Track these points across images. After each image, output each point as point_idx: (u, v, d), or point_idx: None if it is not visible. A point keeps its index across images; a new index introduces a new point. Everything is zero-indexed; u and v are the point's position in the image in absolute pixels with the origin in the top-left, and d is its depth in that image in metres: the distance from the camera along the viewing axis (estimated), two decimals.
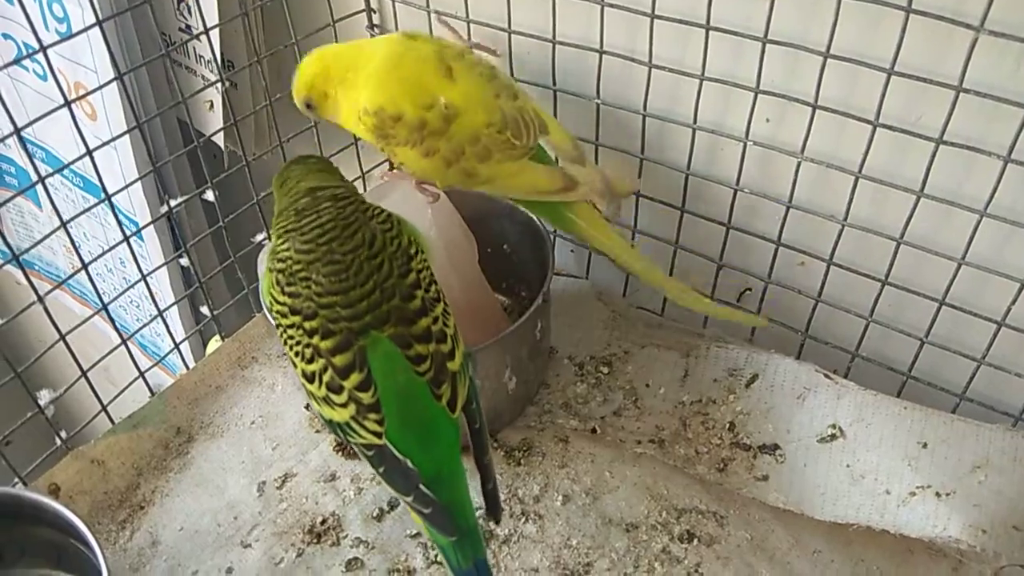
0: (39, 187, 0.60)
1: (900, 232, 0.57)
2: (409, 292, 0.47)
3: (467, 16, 0.67)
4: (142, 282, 0.71)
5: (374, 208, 0.51)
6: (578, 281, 0.76)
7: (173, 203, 0.72)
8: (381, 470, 0.47)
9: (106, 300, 0.67)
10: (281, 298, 0.48)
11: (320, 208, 0.49)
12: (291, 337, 0.48)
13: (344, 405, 0.46)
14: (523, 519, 0.60)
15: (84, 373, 0.64)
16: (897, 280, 0.60)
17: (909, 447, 0.58)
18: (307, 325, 0.47)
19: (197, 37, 0.74)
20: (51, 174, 0.64)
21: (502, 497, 0.61)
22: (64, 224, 0.63)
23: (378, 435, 0.46)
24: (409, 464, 0.46)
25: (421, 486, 0.46)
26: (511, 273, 0.74)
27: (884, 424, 0.59)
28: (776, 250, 0.64)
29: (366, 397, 0.46)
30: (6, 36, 0.86)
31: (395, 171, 0.65)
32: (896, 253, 0.58)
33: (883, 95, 0.52)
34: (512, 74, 0.68)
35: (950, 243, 0.56)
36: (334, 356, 0.46)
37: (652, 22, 0.58)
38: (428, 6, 0.68)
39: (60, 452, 0.64)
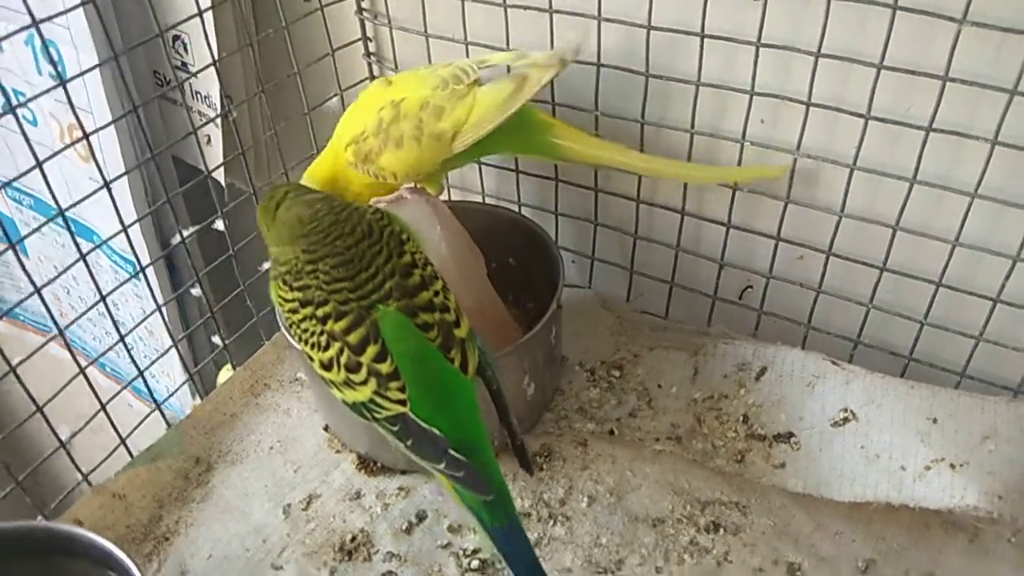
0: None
1: (896, 219, 0.60)
2: (406, 270, 0.50)
3: (465, 38, 0.69)
4: (135, 322, 0.71)
5: (365, 206, 0.53)
6: (581, 291, 0.78)
7: (176, 240, 0.73)
8: (409, 443, 0.48)
9: (100, 346, 0.67)
10: (290, 295, 0.50)
11: (319, 217, 0.51)
12: (305, 330, 0.50)
13: (364, 382, 0.48)
14: (551, 522, 0.61)
15: (103, 406, 0.64)
16: (895, 266, 0.62)
17: (920, 424, 0.60)
18: (319, 312, 0.49)
19: (195, 75, 0.76)
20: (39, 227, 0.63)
21: (528, 503, 0.62)
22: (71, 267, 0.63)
23: (402, 403, 0.48)
24: (436, 431, 0.48)
25: (450, 451, 0.48)
26: (517, 286, 0.75)
27: (894, 404, 0.61)
28: (776, 245, 0.66)
29: (384, 367, 0.48)
30: None
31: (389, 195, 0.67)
32: (892, 240, 0.61)
33: (873, 89, 0.55)
34: None
35: (944, 226, 0.59)
36: (348, 334, 0.48)
37: (648, 33, 0.61)
38: (425, 31, 0.71)
39: (79, 490, 0.63)
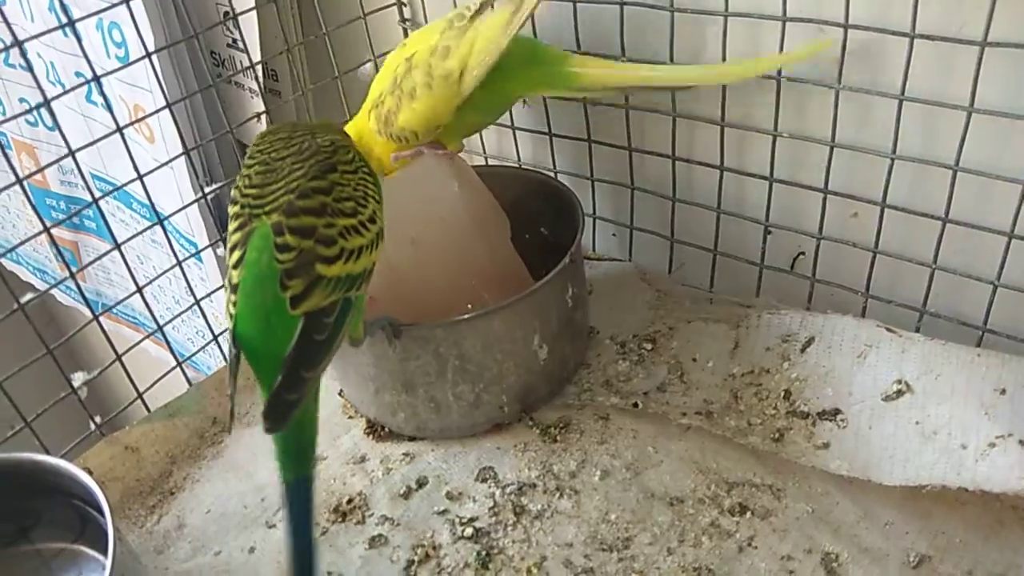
0: (114, 227, 0.63)
1: (955, 159, 0.52)
2: (310, 192, 0.48)
3: None
4: (190, 295, 0.72)
5: (336, 139, 0.52)
6: (621, 264, 0.73)
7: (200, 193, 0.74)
8: (233, 352, 0.48)
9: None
10: (231, 194, 0.52)
11: (279, 130, 0.52)
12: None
13: (228, 282, 0.49)
14: (558, 494, 0.56)
15: (119, 356, 0.64)
16: (958, 216, 0.54)
17: (985, 395, 0.51)
18: (232, 211, 0.50)
19: (243, 71, 0.76)
20: (104, 196, 0.65)
21: (535, 474, 0.57)
22: (118, 246, 0.66)
23: (232, 318, 0.48)
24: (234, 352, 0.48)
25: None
26: (552, 258, 0.71)
27: (956, 374, 0.52)
28: (824, 199, 0.59)
29: (235, 275, 0.48)
30: (78, 74, 0.92)
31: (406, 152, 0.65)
32: (953, 184, 0.53)
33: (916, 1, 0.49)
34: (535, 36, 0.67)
35: (1011, 165, 0.50)
36: (233, 234, 0.48)
37: None
38: None
39: (94, 437, 0.64)
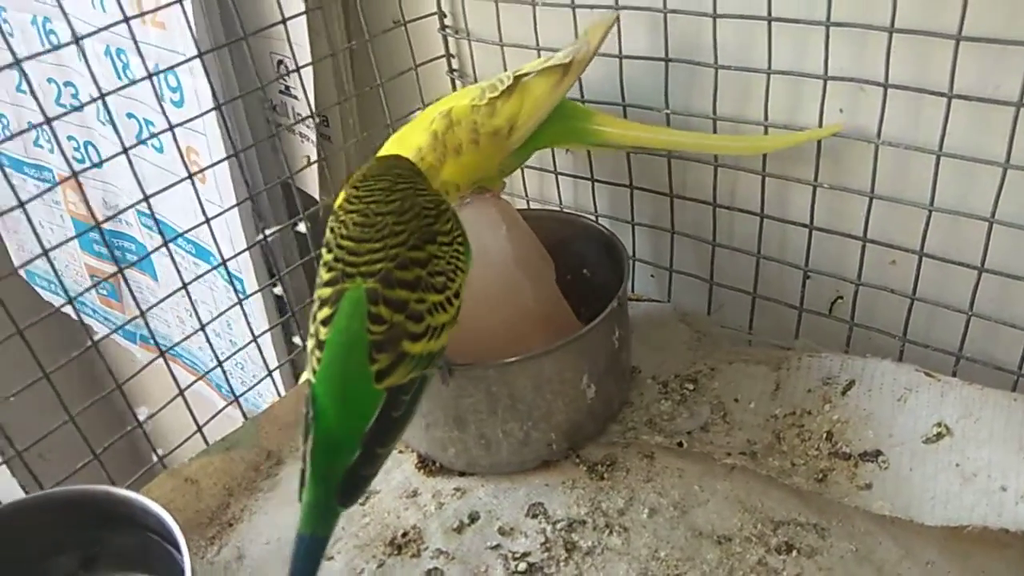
0: (155, 258, 0.66)
1: (991, 211, 0.54)
2: (408, 263, 0.48)
3: (537, 44, 0.70)
4: (243, 334, 0.74)
5: (438, 199, 0.52)
6: (660, 305, 0.75)
7: (260, 237, 0.77)
8: (305, 412, 0.49)
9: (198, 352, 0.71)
10: (326, 235, 0.52)
11: (382, 175, 0.52)
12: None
13: (313, 335, 0.49)
14: (607, 531, 0.58)
15: (182, 391, 0.67)
16: (994, 266, 0.56)
17: None
18: (325, 256, 0.50)
19: (302, 121, 0.79)
20: (172, 239, 0.69)
21: (584, 511, 0.59)
22: (185, 286, 0.69)
23: (314, 372, 0.48)
24: (311, 416, 0.48)
25: (309, 443, 0.48)
26: (594, 298, 0.73)
27: (994, 417, 0.54)
28: (863, 247, 0.61)
29: (323, 332, 0.48)
30: (130, 115, 0.95)
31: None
32: (989, 235, 0.55)
33: (954, 66, 0.51)
34: (582, 94, 0.70)
35: None
36: (323, 288, 0.49)
37: (715, 22, 0.60)
38: (501, 41, 0.72)
39: (155, 470, 0.66)
